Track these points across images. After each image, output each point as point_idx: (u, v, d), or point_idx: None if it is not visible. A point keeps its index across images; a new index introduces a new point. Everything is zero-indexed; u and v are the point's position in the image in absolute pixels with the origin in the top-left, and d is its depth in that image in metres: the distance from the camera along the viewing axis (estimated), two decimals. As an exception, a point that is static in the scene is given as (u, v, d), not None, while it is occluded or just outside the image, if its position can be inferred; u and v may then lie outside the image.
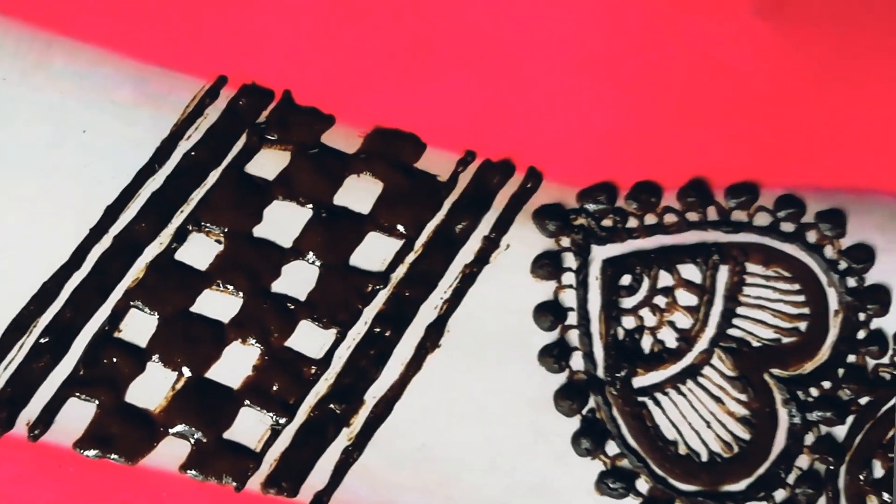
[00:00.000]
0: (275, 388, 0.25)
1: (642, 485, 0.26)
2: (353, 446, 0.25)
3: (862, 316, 0.27)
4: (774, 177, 0.28)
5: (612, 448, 0.26)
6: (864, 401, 0.27)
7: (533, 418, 0.26)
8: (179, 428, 0.25)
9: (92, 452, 0.24)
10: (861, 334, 0.27)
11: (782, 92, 0.29)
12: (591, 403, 0.27)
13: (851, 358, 0.27)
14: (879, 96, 0.30)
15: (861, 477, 0.27)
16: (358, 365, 0.25)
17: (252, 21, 0.28)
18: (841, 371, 0.27)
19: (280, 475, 0.25)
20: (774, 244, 0.28)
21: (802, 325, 0.27)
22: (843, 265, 0.28)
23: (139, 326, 0.25)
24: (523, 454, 0.26)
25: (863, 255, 0.28)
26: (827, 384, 0.27)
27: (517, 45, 0.29)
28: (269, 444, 0.25)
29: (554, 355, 0.26)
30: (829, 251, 0.28)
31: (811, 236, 0.28)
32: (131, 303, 0.25)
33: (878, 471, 0.27)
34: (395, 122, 0.28)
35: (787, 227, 0.28)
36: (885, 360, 0.27)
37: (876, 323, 0.28)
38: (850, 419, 0.27)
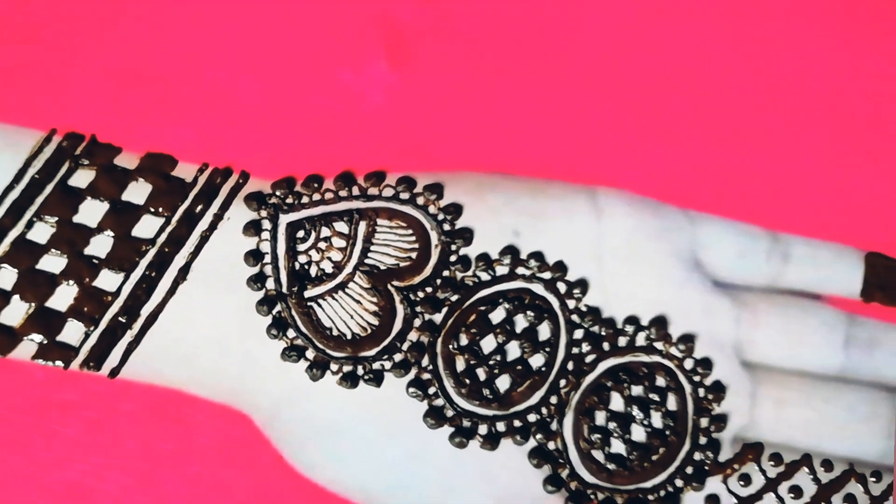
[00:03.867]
0: (86, 309, 0.34)
1: (311, 353, 0.34)
2: (133, 341, 0.34)
3: (453, 247, 0.35)
4: (396, 167, 0.36)
5: (291, 333, 0.34)
6: (454, 298, 0.35)
7: (243, 318, 0.34)
8: (31, 336, 0.34)
9: (-22, 351, 0.33)
10: (453, 258, 0.35)
11: (404, 119, 0.37)
12: (279, 308, 0.34)
13: (446, 273, 0.35)
14: (465, 121, 0.37)
15: (451, 346, 0.35)
16: (136, 294, 0.34)
17: (70, 94, 0.35)
18: (439, 281, 0.35)
19: (89, 359, 0.34)
20: (396, 207, 0.36)
21: (414, 255, 0.35)
22: (440, 216, 0.36)
23: (6, 278, 0.34)
24: (236, 339, 0.34)
25: (452, 209, 0.36)
26: (429, 289, 0.35)
27: (230, 93, 0.36)
28: (83, 342, 0.34)
29: (254, 280, 0.34)
30: (431, 209, 0.36)
31: (420, 200, 0.36)
32: (1, 265, 0.34)
33: (464, 340, 0.35)
34: (159, 148, 0.36)
35: (405, 196, 0.36)
36: (469, 273, 0.35)
37: (464, 251, 0.36)
38: (444, 309, 0.35)
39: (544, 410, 0.35)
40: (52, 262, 0.34)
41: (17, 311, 0.34)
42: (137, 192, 0.35)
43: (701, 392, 0.36)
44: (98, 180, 0.35)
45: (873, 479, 0.36)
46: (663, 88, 0.39)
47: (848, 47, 0.39)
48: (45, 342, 0.34)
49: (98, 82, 0.36)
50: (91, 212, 0.35)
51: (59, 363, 0.34)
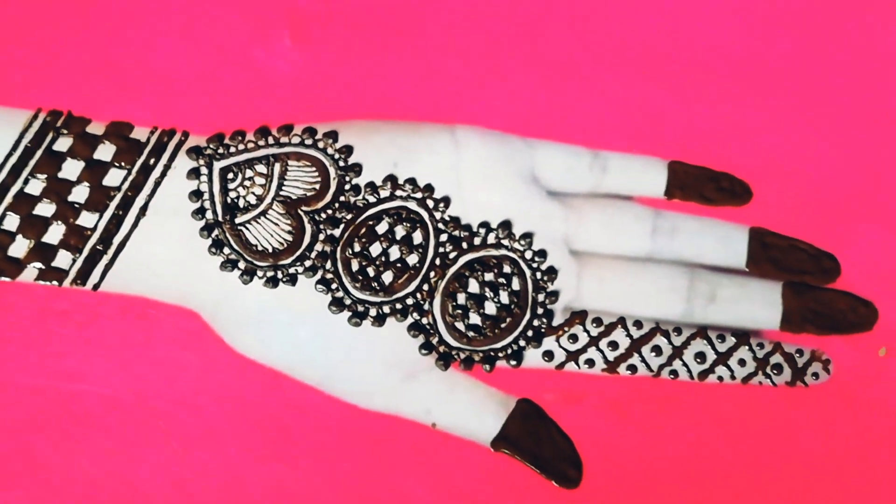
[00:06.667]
0: (72, 241, 0.40)
1: (242, 265, 0.40)
2: (109, 263, 0.40)
3: (347, 179, 0.41)
4: (300, 120, 0.42)
5: (226, 251, 0.40)
6: (349, 216, 0.40)
7: (190, 241, 0.40)
8: (33, 263, 0.40)
9: (-6, 277, 0.41)
10: (347, 187, 0.41)
11: (305, 83, 0.43)
12: (216, 232, 0.40)
13: (342, 198, 0.41)
14: (352, 82, 0.43)
15: (347, 252, 0.40)
16: (109, 228, 0.40)
17: (51, 82, 0.42)
18: (337, 205, 0.41)
19: (76, 278, 0.40)
20: (303, 150, 0.42)
21: (317, 186, 0.41)
22: (336, 156, 0.41)
23: (11, 222, 0.39)
24: (185, 257, 0.40)
25: (345, 150, 0.41)
26: (330, 211, 0.41)
27: (170, 73, 0.43)
28: (71, 265, 0.40)
29: (197, 212, 0.40)
30: (329, 150, 0.41)
31: (320, 144, 0.41)
32: (6, 212, 0.39)
33: (357, 247, 0.40)
34: (119, 117, 0.42)
35: (308, 141, 0.41)
36: (360, 197, 0.41)
37: (355, 181, 0.41)
38: (342, 225, 0.40)
39: (419, 295, 0.41)
40: (45, 209, 0.40)
41: (21, 247, 0.40)
42: (105, 151, 0.41)
43: (538, 275, 0.42)
44: (75, 145, 0.41)
45: (675, 333, 0.43)
46: (508, 46, 0.45)
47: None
48: (43, 268, 0.40)
49: (70, 72, 0.44)
50: (71, 169, 0.41)
51: (54, 282, 0.40)
